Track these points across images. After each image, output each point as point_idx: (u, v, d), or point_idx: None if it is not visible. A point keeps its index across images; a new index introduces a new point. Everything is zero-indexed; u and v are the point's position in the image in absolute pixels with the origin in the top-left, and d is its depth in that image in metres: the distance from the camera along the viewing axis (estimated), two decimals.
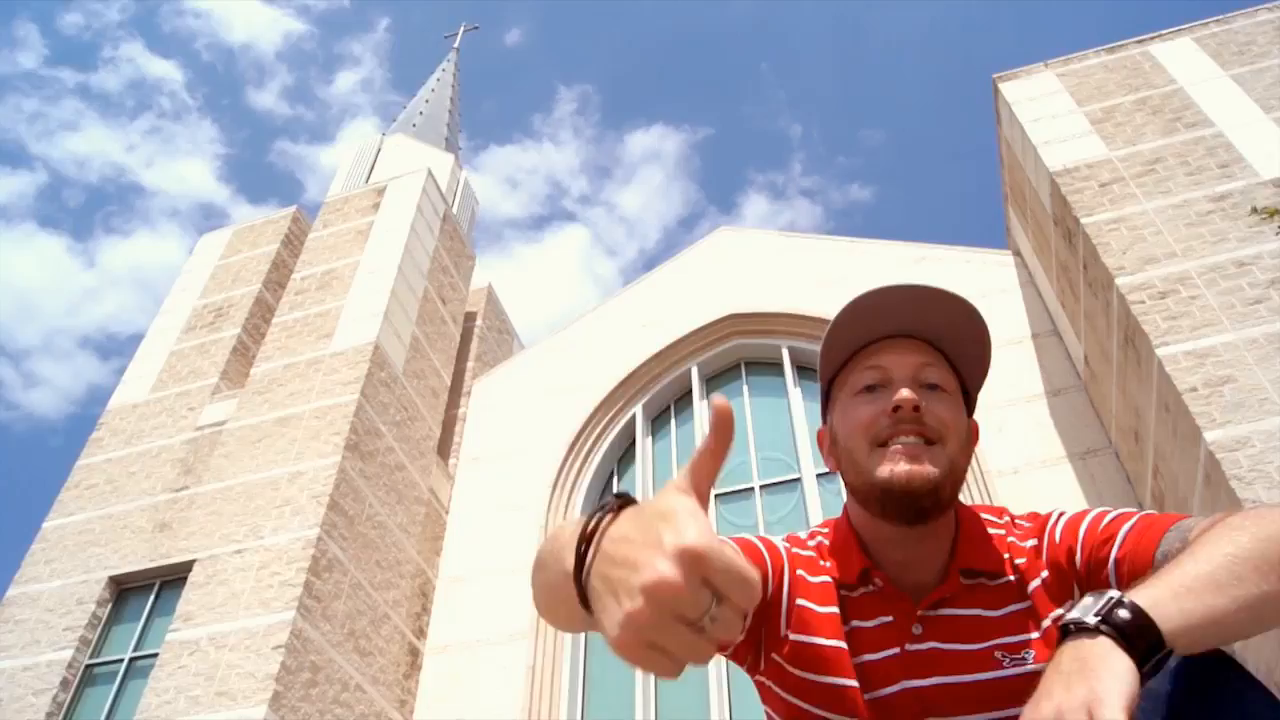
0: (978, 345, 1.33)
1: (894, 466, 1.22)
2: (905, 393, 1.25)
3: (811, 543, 1.39)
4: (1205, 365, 6.58)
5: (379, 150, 15.66)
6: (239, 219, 14.21)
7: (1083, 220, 8.01)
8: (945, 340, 1.33)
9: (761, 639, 1.29)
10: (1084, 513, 1.29)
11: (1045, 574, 1.26)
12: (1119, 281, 7.40)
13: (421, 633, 9.82)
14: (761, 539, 1.36)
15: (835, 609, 1.29)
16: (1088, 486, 8.43)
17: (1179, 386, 6.53)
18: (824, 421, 1.41)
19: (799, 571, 1.33)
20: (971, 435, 1.34)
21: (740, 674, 8.93)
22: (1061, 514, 1.31)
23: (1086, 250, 8.02)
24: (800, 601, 1.30)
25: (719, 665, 8.89)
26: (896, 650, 1.24)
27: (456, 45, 21.29)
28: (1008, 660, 1.20)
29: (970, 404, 1.37)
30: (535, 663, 9.18)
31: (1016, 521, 1.37)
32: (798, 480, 10.20)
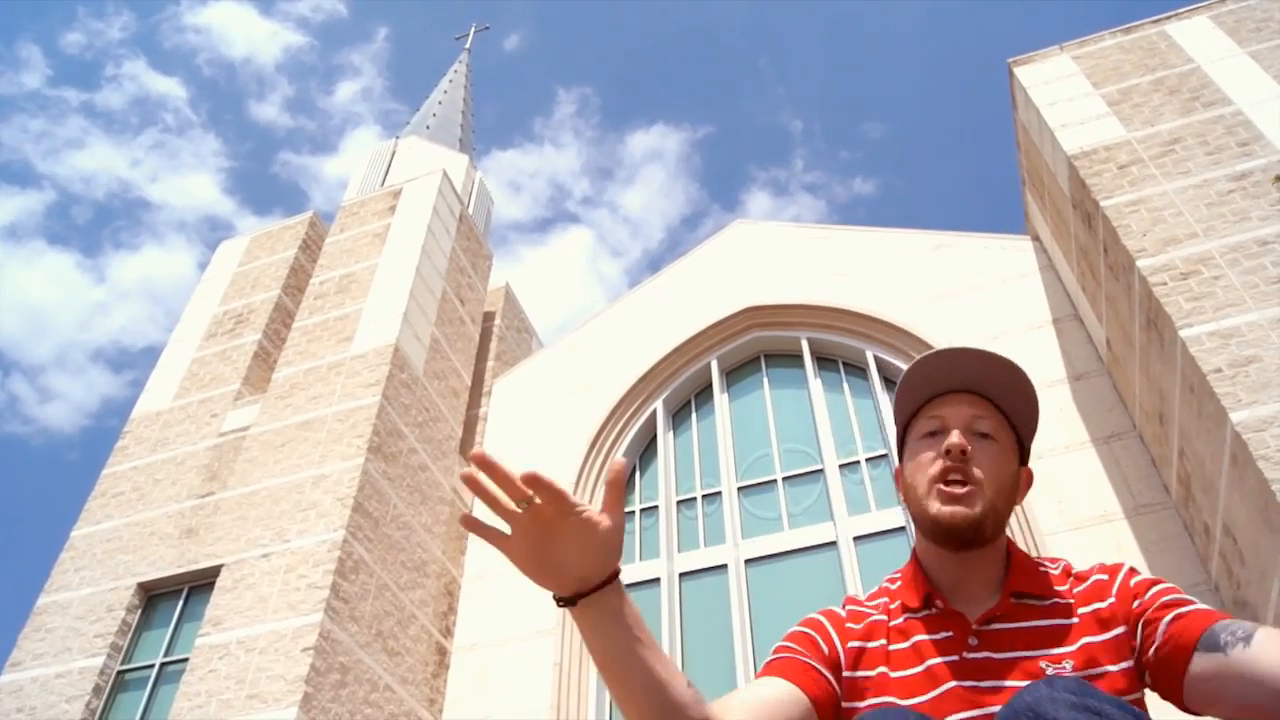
0: (1026, 400, 1.55)
1: (940, 506, 1.46)
2: (955, 437, 1.48)
3: (871, 597, 1.61)
4: (1230, 346, 6.52)
5: (394, 153, 15.71)
6: (244, 230, 14.28)
7: (1102, 203, 7.95)
8: (999, 395, 1.55)
9: (838, 686, 1.49)
10: (1161, 580, 1.46)
11: (1112, 600, 1.44)
12: (1140, 264, 7.34)
13: (448, 632, 9.86)
14: (811, 617, 1.58)
15: (882, 642, 1.50)
16: (1112, 471, 8.37)
17: (1203, 368, 6.47)
18: (900, 462, 1.64)
19: (848, 624, 1.55)
20: (1021, 482, 1.55)
21: None
22: (1130, 568, 1.50)
23: (1106, 233, 7.95)
24: (859, 673, 1.49)
25: (746, 664, 8.89)
26: (956, 658, 1.42)
27: (468, 46, 21.32)
28: (1050, 669, 1.36)
29: (1024, 454, 1.57)
30: (562, 659, 9.20)
31: (1076, 570, 1.55)
32: (820, 471, 10.18)
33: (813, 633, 1.54)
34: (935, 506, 1.45)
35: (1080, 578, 1.50)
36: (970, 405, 1.53)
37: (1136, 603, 1.40)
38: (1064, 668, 1.35)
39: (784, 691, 1.43)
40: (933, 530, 1.47)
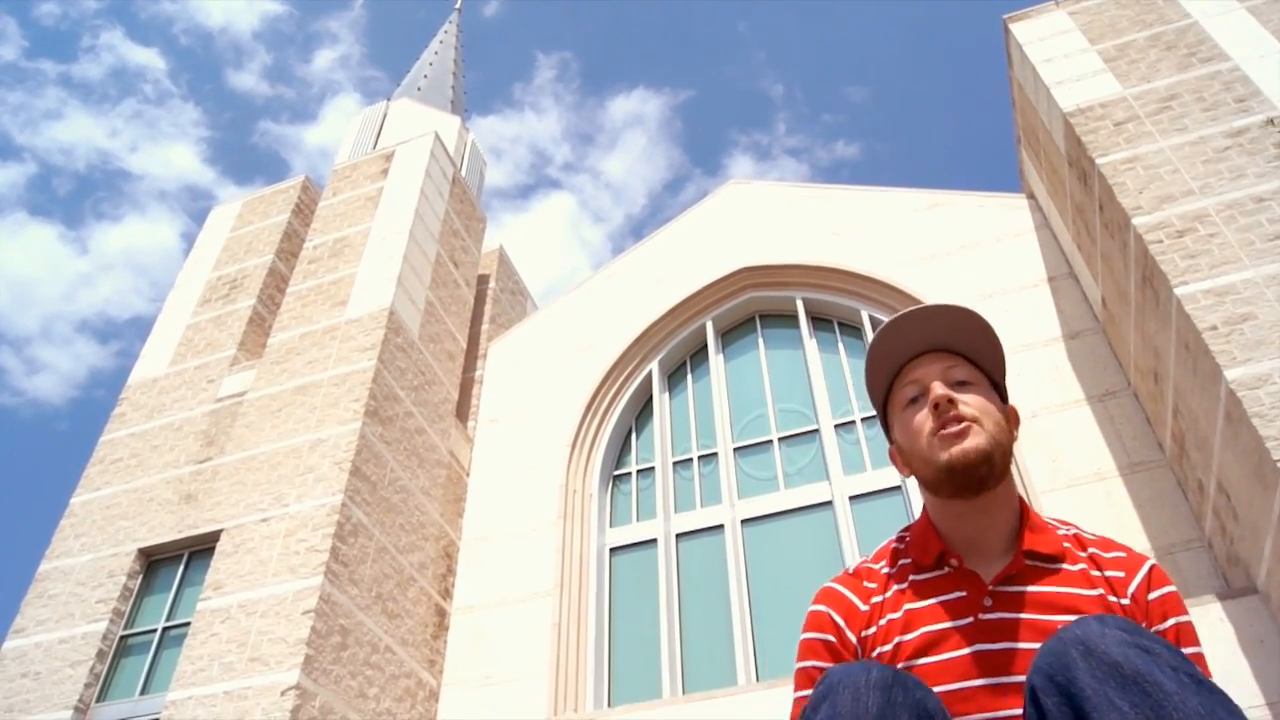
0: (987, 341, 1.58)
1: (949, 449, 1.45)
2: (938, 388, 1.50)
3: (879, 560, 1.60)
4: (1225, 303, 6.53)
5: (385, 115, 15.58)
6: (225, 200, 14.19)
7: (1098, 160, 7.92)
8: (962, 345, 1.58)
9: None
10: (1177, 607, 1.42)
11: (1127, 603, 1.40)
12: (1136, 221, 7.33)
13: (447, 594, 9.93)
14: (831, 626, 1.53)
15: (897, 639, 1.45)
16: (1107, 429, 8.41)
17: (1198, 325, 6.49)
18: (889, 442, 1.65)
19: (865, 633, 1.50)
20: (1011, 418, 1.56)
21: (763, 628, 8.97)
22: (1154, 570, 1.46)
23: (1102, 190, 7.93)
24: (877, 650, 1.48)
25: (743, 624, 8.97)
26: (971, 619, 1.41)
27: (458, 6, 21.06)
28: None
29: (1002, 393, 1.60)
30: (560, 620, 9.28)
31: (1086, 536, 1.54)
32: (816, 431, 10.22)
33: (830, 639, 1.52)
34: (943, 454, 1.45)
35: (1096, 560, 1.47)
36: (940, 360, 1.56)
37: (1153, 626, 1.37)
38: None
39: None
40: (948, 477, 1.45)
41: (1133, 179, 7.64)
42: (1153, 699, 0.99)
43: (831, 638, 1.51)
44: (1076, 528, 1.56)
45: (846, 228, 11.30)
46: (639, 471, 10.86)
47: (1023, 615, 1.38)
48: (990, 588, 1.43)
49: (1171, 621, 1.38)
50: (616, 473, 10.98)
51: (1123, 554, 1.49)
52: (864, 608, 1.52)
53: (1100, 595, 1.40)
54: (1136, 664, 1.02)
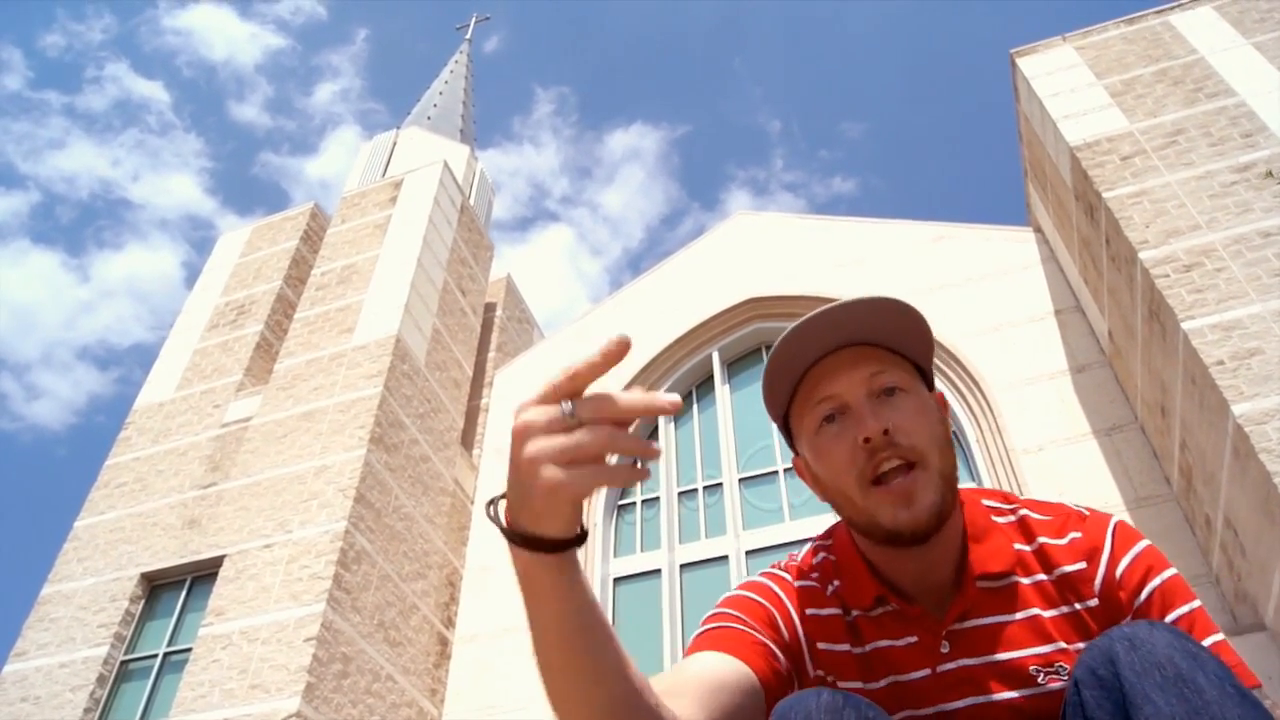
0: (911, 321, 1.31)
1: (896, 513, 1.19)
2: (870, 424, 1.20)
3: (814, 571, 1.36)
4: (1232, 338, 6.51)
5: (394, 144, 15.69)
6: (226, 229, 14.33)
7: (1104, 194, 7.94)
8: (882, 333, 1.29)
9: (795, 678, 1.28)
10: (1154, 565, 1.23)
11: (1094, 603, 1.23)
12: (1142, 255, 7.33)
13: (450, 622, 9.88)
14: (764, 585, 1.34)
15: (846, 646, 1.28)
16: (1113, 463, 8.38)
17: (1205, 360, 6.47)
18: (794, 452, 1.36)
19: (809, 611, 1.31)
20: (940, 409, 1.30)
21: None
22: (1118, 534, 1.26)
23: (1109, 224, 7.94)
24: (820, 645, 1.29)
25: None
26: (928, 672, 1.23)
27: (468, 37, 21.27)
28: (1043, 675, 1.19)
29: (928, 378, 1.34)
30: None
31: (1033, 520, 1.31)
32: None
33: (768, 605, 1.29)
34: (887, 514, 1.19)
35: (1047, 554, 1.27)
36: (859, 364, 1.26)
37: (1133, 604, 1.20)
38: (1057, 672, 1.19)
39: (737, 674, 1.18)
40: (890, 538, 1.21)
41: (1139, 213, 7.65)
42: (1191, 703, 0.95)
43: (773, 610, 1.29)
44: (1023, 507, 1.33)
45: (853, 259, 11.32)
46: (643, 501, 10.83)
47: (985, 658, 1.21)
48: (945, 629, 1.24)
49: (1150, 592, 1.20)
50: (621, 503, 10.94)
51: (1078, 534, 1.27)
52: (805, 634, 1.30)
53: (1064, 614, 1.23)
54: (1180, 666, 0.98)
